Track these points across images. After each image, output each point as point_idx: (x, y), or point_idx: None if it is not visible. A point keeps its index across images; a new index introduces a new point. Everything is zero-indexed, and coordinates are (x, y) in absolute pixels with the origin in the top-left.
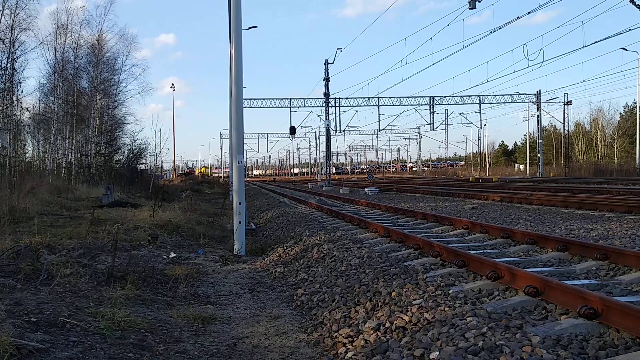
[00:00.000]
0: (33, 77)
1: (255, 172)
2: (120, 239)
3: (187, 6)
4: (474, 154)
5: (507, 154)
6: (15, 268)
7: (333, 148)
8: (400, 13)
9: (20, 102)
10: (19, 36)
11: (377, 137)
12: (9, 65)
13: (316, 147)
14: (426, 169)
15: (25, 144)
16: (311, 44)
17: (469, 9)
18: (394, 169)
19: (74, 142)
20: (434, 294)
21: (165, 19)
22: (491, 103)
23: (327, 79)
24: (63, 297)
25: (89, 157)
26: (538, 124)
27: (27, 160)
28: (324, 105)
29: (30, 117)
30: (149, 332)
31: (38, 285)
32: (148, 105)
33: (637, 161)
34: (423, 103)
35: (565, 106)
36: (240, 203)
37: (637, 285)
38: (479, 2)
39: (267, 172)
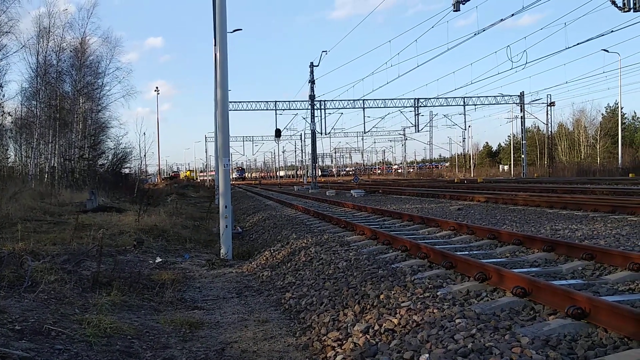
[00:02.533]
0: (15, 81)
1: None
2: (105, 244)
3: (175, 9)
4: (458, 155)
5: (491, 155)
6: None
7: (319, 150)
8: (388, 15)
9: (2, 107)
10: (0, 40)
11: (363, 139)
12: None
13: (302, 150)
14: (411, 170)
15: (7, 149)
16: (299, 47)
17: (453, 11)
18: (379, 171)
19: (57, 146)
20: (422, 296)
21: (153, 22)
22: (475, 105)
23: (312, 82)
24: (48, 304)
25: (73, 162)
26: (522, 125)
27: (9, 165)
28: (310, 107)
29: (12, 122)
30: (136, 339)
31: (22, 293)
32: (135, 109)
33: (619, 161)
34: (408, 105)
35: (549, 107)
36: (226, 207)
37: (623, 285)
38: (463, 4)
39: (253, 175)
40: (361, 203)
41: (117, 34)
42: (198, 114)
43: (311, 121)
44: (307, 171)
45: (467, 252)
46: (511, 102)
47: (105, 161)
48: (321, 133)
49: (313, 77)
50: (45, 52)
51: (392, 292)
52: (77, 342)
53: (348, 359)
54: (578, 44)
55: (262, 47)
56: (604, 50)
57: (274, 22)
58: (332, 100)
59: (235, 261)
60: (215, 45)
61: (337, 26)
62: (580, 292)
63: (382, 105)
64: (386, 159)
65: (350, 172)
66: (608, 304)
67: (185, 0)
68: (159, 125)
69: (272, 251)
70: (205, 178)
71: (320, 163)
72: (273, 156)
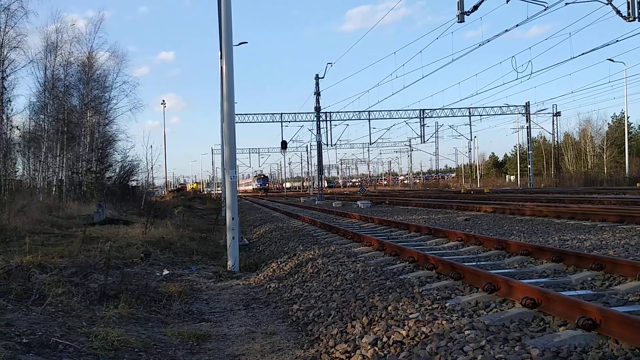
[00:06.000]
0: (23, 95)
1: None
2: (112, 256)
3: (185, 23)
4: (464, 165)
5: (497, 166)
6: (7, 288)
7: (325, 162)
8: (397, 28)
9: (10, 121)
10: (8, 54)
11: (369, 150)
12: None
13: (308, 161)
14: (417, 181)
15: (16, 163)
16: (307, 59)
17: (458, 22)
18: (385, 182)
19: (64, 160)
20: (430, 308)
21: (165, 36)
22: (481, 115)
23: (317, 94)
24: (55, 317)
25: (80, 175)
26: (528, 135)
27: (17, 178)
28: (315, 119)
29: (20, 136)
30: (143, 352)
31: (30, 306)
32: (144, 122)
33: (627, 171)
34: (413, 116)
35: (554, 117)
36: (233, 218)
37: (633, 295)
38: (467, 15)
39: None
40: (368, 214)
41: (126, 48)
42: (206, 127)
43: (317, 133)
44: (314, 182)
45: (475, 263)
46: (517, 112)
47: (113, 174)
48: (327, 144)
49: (318, 89)
50: (53, 67)
51: (400, 304)
52: (85, 355)
53: None
54: (583, 53)
55: (269, 59)
56: (610, 59)
57: (281, 35)
58: (338, 112)
59: (242, 273)
60: (221, 58)
61: (346, 38)
62: (591, 303)
63: (388, 117)
64: (392, 170)
65: (357, 184)
66: (619, 314)
67: (196, 14)
68: (167, 138)
69: (279, 263)
70: (212, 190)
71: (326, 174)
72: (279, 168)
